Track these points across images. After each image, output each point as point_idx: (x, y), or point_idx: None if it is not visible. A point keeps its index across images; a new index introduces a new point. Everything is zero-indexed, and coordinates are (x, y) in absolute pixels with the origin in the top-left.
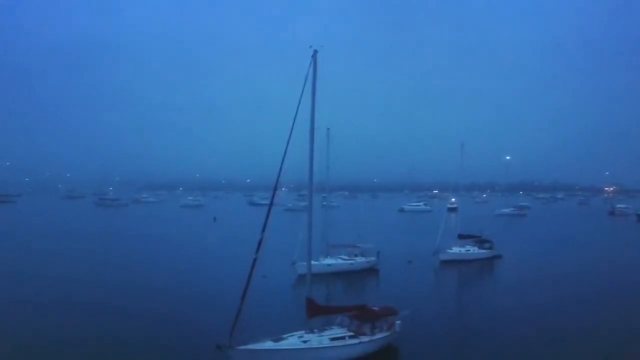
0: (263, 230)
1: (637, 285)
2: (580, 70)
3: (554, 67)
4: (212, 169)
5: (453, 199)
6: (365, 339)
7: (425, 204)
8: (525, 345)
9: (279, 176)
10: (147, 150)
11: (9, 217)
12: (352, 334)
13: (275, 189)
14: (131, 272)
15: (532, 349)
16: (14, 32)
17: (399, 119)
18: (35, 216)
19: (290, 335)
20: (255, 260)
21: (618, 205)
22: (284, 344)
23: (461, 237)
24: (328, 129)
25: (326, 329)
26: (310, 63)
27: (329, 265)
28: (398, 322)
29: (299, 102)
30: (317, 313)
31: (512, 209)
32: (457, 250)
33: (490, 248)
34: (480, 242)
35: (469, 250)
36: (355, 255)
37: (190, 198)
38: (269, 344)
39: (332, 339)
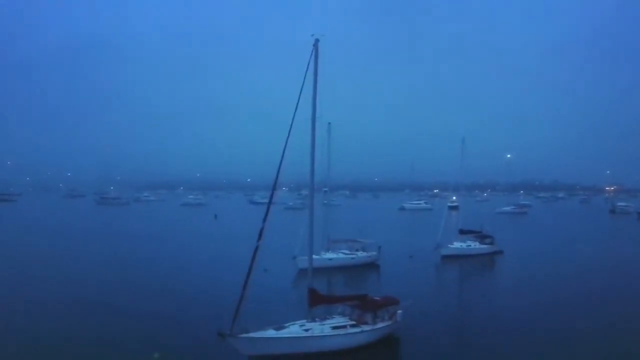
0: (264, 219)
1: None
2: (581, 70)
3: (555, 66)
4: (213, 168)
5: (454, 197)
6: (366, 328)
7: (426, 203)
8: (524, 337)
9: (281, 162)
10: (148, 150)
11: (9, 215)
12: (353, 323)
13: (278, 174)
14: (133, 267)
15: (531, 341)
16: (15, 31)
17: (399, 119)
18: (36, 215)
19: (292, 324)
20: (256, 248)
21: (619, 204)
22: (285, 332)
23: (462, 232)
24: (329, 123)
25: (328, 318)
26: (312, 52)
27: (330, 259)
28: (399, 311)
29: (301, 91)
30: (318, 302)
31: (513, 207)
32: (458, 245)
33: (491, 243)
34: (481, 237)
35: (470, 245)
36: (356, 250)
37: (191, 197)
38: (270, 332)
39: (334, 328)
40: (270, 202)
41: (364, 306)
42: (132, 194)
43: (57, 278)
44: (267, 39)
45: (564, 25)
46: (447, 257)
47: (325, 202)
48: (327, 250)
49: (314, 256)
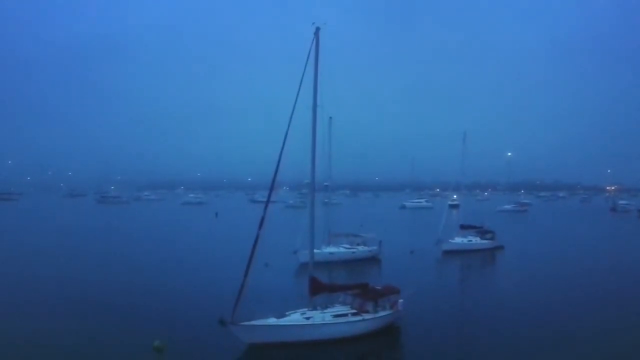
0: (265, 208)
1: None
2: (581, 69)
3: (555, 66)
4: (213, 168)
5: (455, 196)
6: (367, 316)
7: (426, 201)
8: (524, 328)
9: (282, 150)
10: (149, 149)
11: (10, 214)
12: (354, 311)
13: (279, 160)
14: (133, 263)
15: (531, 330)
16: (16, 31)
17: (399, 118)
18: (37, 213)
19: (293, 313)
20: (257, 237)
21: (620, 202)
22: (286, 320)
23: (463, 227)
24: (330, 117)
25: (329, 307)
26: (313, 40)
27: (331, 253)
28: (401, 300)
29: (301, 79)
30: (320, 291)
31: (514, 205)
32: (459, 240)
33: (492, 239)
34: (482, 232)
35: (471, 240)
36: (357, 245)
37: (192, 195)
38: (271, 320)
39: (335, 316)
40: (272, 189)
41: (365, 295)
42: (133, 193)
43: (57, 274)
44: (267, 39)
45: (566, 24)
46: (448, 252)
47: (326, 200)
48: (328, 244)
49: (314, 250)
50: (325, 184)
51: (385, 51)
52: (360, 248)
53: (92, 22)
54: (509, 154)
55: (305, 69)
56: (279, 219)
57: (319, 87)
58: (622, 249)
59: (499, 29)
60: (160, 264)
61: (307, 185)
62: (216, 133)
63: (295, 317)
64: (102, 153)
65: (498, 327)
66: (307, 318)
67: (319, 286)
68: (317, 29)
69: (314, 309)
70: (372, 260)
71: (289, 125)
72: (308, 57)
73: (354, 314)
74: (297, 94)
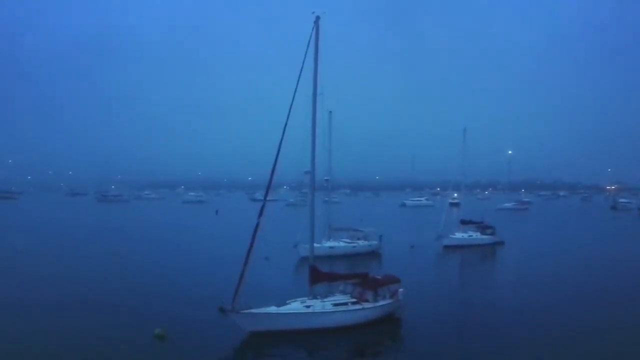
0: (265, 196)
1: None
2: (581, 68)
3: (555, 65)
4: (213, 168)
5: (455, 194)
6: (367, 305)
7: (427, 199)
8: (524, 318)
9: (282, 140)
10: (149, 149)
11: (12, 212)
12: (354, 300)
13: (279, 148)
14: (133, 257)
15: (530, 321)
16: (16, 31)
17: (399, 118)
18: (38, 211)
19: (293, 301)
20: (257, 224)
21: (620, 200)
22: (286, 309)
23: (463, 222)
24: (330, 112)
25: (329, 296)
26: (313, 29)
27: (331, 247)
28: (401, 290)
29: (301, 68)
30: (320, 280)
31: (514, 203)
32: (459, 235)
33: (492, 234)
34: (482, 228)
35: (472, 235)
36: (358, 239)
37: (192, 194)
38: (271, 309)
39: (335, 305)
40: (271, 178)
41: (365, 284)
42: (133, 192)
43: (58, 268)
44: (269, 40)
45: (565, 22)
46: (448, 247)
47: (326, 199)
48: (329, 238)
49: (315, 244)
50: (326, 178)
51: (384, 50)
52: (361, 242)
53: (93, 22)
54: (509, 152)
55: (305, 58)
56: (279, 217)
57: (319, 76)
58: (622, 245)
59: (498, 27)
60: (161, 258)
61: (307, 183)
62: (217, 133)
63: (295, 306)
64: (103, 153)
65: (497, 319)
66: (307, 307)
67: (319, 275)
68: (317, 17)
69: (314, 297)
70: (373, 254)
71: (288, 114)
72: (308, 46)
73: (354, 303)
74: (297, 82)
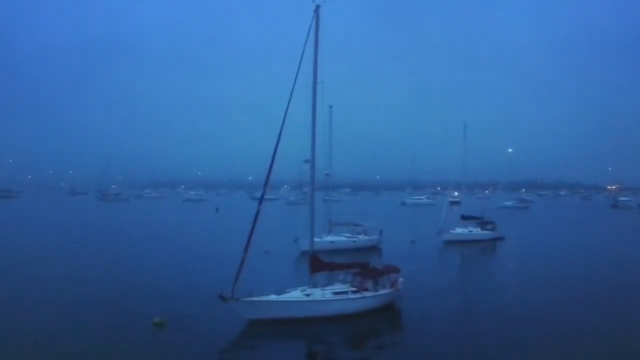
0: (265, 184)
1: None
2: (583, 69)
3: (555, 64)
4: (214, 167)
5: (456, 193)
6: (367, 294)
7: (427, 198)
8: (523, 310)
9: (281, 131)
10: (150, 149)
11: (11, 211)
12: (354, 289)
13: (279, 138)
14: (134, 252)
15: (529, 311)
16: (16, 30)
17: (399, 118)
18: (37, 208)
19: (293, 290)
20: (257, 212)
21: (621, 198)
22: (286, 297)
23: (464, 218)
24: (330, 106)
25: (329, 285)
26: (313, 17)
27: (332, 242)
28: (401, 279)
29: (301, 57)
30: (320, 268)
31: (515, 201)
32: (460, 230)
33: (492, 229)
34: (482, 223)
35: (472, 231)
36: (358, 234)
37: (193, 192)
38: (271, 297)
39: (335, 293)
40: (271, 168)
41: (365, 273)
42: (134, 191)
43: (58, 262)
44: (269, 40)
45: (565, 21)
46: (449, 242)
47: (326, 198)
48: (329, 233)
49: (315, 239)
50: (326, 173)
51: (384, 50)
52: (361, 237)
53: (93, 22)
54: (510, 150)
55: (305, 46)
56: (279, 215)
57: (319, 64)
58: (622, 239)
59: (498, 26)
60: (161, 252)
61: (307, 182)
62: (217, 132)
63: (295, 294)
64: (103, 152)
65: (496, 312)
66: (307, 295)
67: (320, 264)
68: (317, 6)
69: (314, 286)
70: (373, 249)
71: (288, 103)
72: (308, 35)
73: (354, 292)
74: (297, 71)
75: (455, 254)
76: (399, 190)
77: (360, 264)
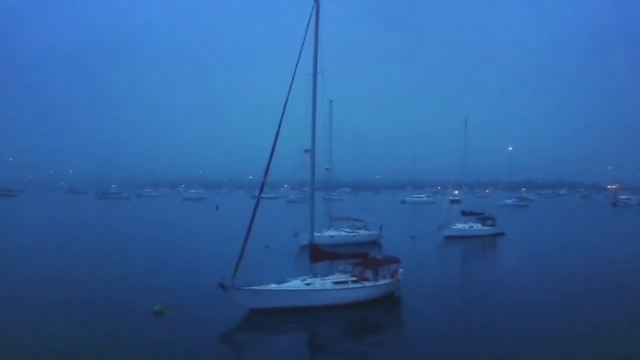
0: (266, 174)
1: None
2: (582, 68)
3: (555, 64)
4: (214, 167)
5: (456, 192)
6: (367, 284)
7: (427, 196)
8: (522, 303)
9: (281, 121)
10: (150, 148)
11: (12, 208)
12: (354, 279)
13: (279, 129)
14: (134, 246)
15: (527, 304)
16: (16, 30)
17: (399, 117)
18: (36, 207)
19: (294, 279)
20: (258, 201)
21: (621, 197)
22: (286, 286)
23: (464, 214)
24: (331, 101)
25: (329, 275)
26: (313, 6)
27: (332, 237)
28: (401, 270)
29: (301, 49)
30: (321, 258)
31: (515, 200)
32: (460, 226)
33: (492, 225)
34: (483, 219)
35: (472, 226)
36: (358, 229)
37: (193, 191)
38: (272, 286)
39: (335, 283)
40: (270, 158)
41: (365, 264)
42: (134, 190)
43: (59, 255)
44: (270, 40)
45: (565, 20)
46: (449, 238)
47: (326, 196)
48: (329, 227)
49: (315, 234)
50: (326, 167)
51: (383, 49)
52: (361, 232)
53: (93, 22)
54: (510, 148)
55: (305, 37)
56: (280, 213)
57: (320, 54)
58: (621, 234)
59: (498, 26)
60: (161, 246)
61: (307, 182)
62: (217, 132)
63: (295, 283)
64: (103, 152)
65: (495, 304)
66: (308, 284)
67: (320, 254)
68: None
69: (315, 276)
70: (373, 244)
71: (288, 94)
72: (308, 25)
73: (354, 282)
74: (297, 62)
75: (456, 249)
76: (399, 190)
77: (361, 254)
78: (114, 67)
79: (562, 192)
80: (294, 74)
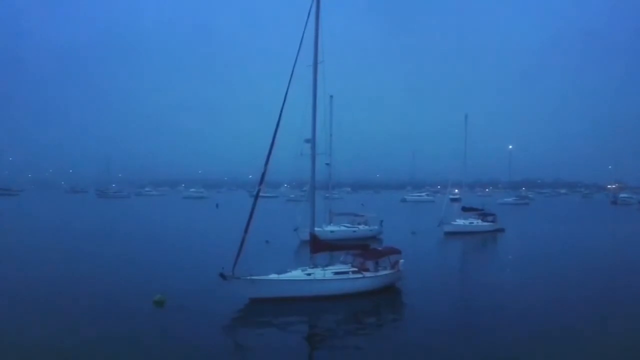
0: (266, 163)
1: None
2: (582, 68)
3: (554, 63)
4: (214, 166)
5: (456, 190)
6: (368, 274)
7: (427, 194)
8: (522, 297)
9: (280, 114)
10: (150, 148)
11: (12, 207)
12: (355, 269)
13: (279, 121)
14: (134, 241)
15: (527, 297)
16: (17, 29)
17: (399, 116)
18: (37, 205)
19: (294, 270)
20: (258, 191)
21: (621, 195)
22: (287, 276)
23: (465, 209)
24: (331, 96)
25: (330, 266)
26: None
27: (332, 232)
28: (402, 261)
29: (301, 39)
30: (321, 249)
31: (515, 198)
32: (461, 222)
33: (493, 221)
34: (483, 215)
35: (473, 222)
36: (358, 224)
37: (193, 190)
38: (272, 276)
39: (336, 273)
40: (270, 150)
41: (366, 254)
42: (134, 189)
43: (60, 248)
44: (269, 41)
45: (564, 18)
46: (449, 234)
47: (327, 195)
48: (329, 223)
49: (315, 229)
50: (326, 162)
51: (383, 48)
52: (361, 227)
53: (93, 21)
54: (510, 146)
55: (305, 27)
56: (280, 210)
57: (320, 44)
58: (621, 230)
59: (498, 25)
60: (160, 240)
61: (306, 181)
62: (217, 132)
63: (296, 274)
64: (103, 151)
65: (495, 296)
66: (308, 274)
67: (321, 244)
68: None
69: (315, 267)
70: (373, 239)
71: (288, 85)
72: (309, 16)
73: (354, 272)
74: (298, 52)
75: (456, 244)
76: (399, 190)
77: (361, 245)
78: (114, 66)
79: (562, 191)
80: (294, 65)
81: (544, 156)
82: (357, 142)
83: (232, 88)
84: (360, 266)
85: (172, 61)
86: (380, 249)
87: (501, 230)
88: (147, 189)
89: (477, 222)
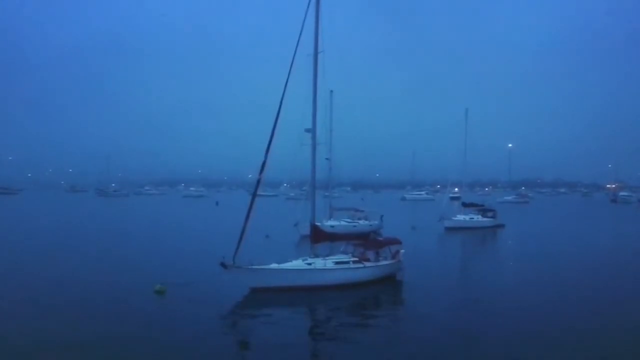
0: (266, 153)
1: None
2: (581, 68)
3: (554, 63)
4: (214, 166)
5: (456, 189)
6: (369, 264)
7: (427, 193)
8: (520, 292)
9: (279, 110)
10: (150, 147)
11: (14, 206)
12: (356, 259)
13: (278, 113)
14: (134, 237)
15: (525, 293)
16: (17, 29)
17: (399, 116)
18: (37, 204)
19: (295, 260)
20: (259, 181)
21: (621, 194)
22: (287, 265)
23: (465, 205)
24: (331, 91)
25: (330, 256)
26: None
27: (332, 227)
28: (402, 251)
29: (301, 32)
30: (322, 239)
31: (515, 196)
32: (461, 217)
33: (493, 217)
34: (483, 211)
35: (473, 218)
36: (359, 219)
37: (192, 189)
38: (273, 265)
39: (336, 263)
40: (270, 144)
41: (367, 245)
42: (134, 188)
43: (61, 244)
44: (269, 41)
45: (563, 18)
46: (450, 229)
47: (326, 194)
48: (329, 218)
49: (315, 223)
50: (326, 157)
51: (382, 48)
52: (362, 222)
53: (93, 21)
54: (510, 145)
55: (305, 17)
56: (279, 208)
57: (320, 34)
58: (620, 227)
59: (498, 25)
60: (161, 233)
61: (306, 181)
62: (217, 131)
63: (297, 263)
64: (103, 151)
65: (494, 290)
66: (309, 264)
67: (321, 234)
68: None
69: (316, 257)
70: (373, 234)
71: (288, 75)
72: (308, 7)
73: (355, 262)
74: (297, 42)
75: (456, 239)
76: (399, 189)
77: (362, 236)
78: (114, 66)
79: (561, 190)
80: (295, 54)
81: (543, 156)
82: (357, 142)
83: (232, 88)
84: (360, 256)
85: (172, 61)
86: (380, 239)
87: (501, 226)
88: (146, 188)
89: (477, 218)
